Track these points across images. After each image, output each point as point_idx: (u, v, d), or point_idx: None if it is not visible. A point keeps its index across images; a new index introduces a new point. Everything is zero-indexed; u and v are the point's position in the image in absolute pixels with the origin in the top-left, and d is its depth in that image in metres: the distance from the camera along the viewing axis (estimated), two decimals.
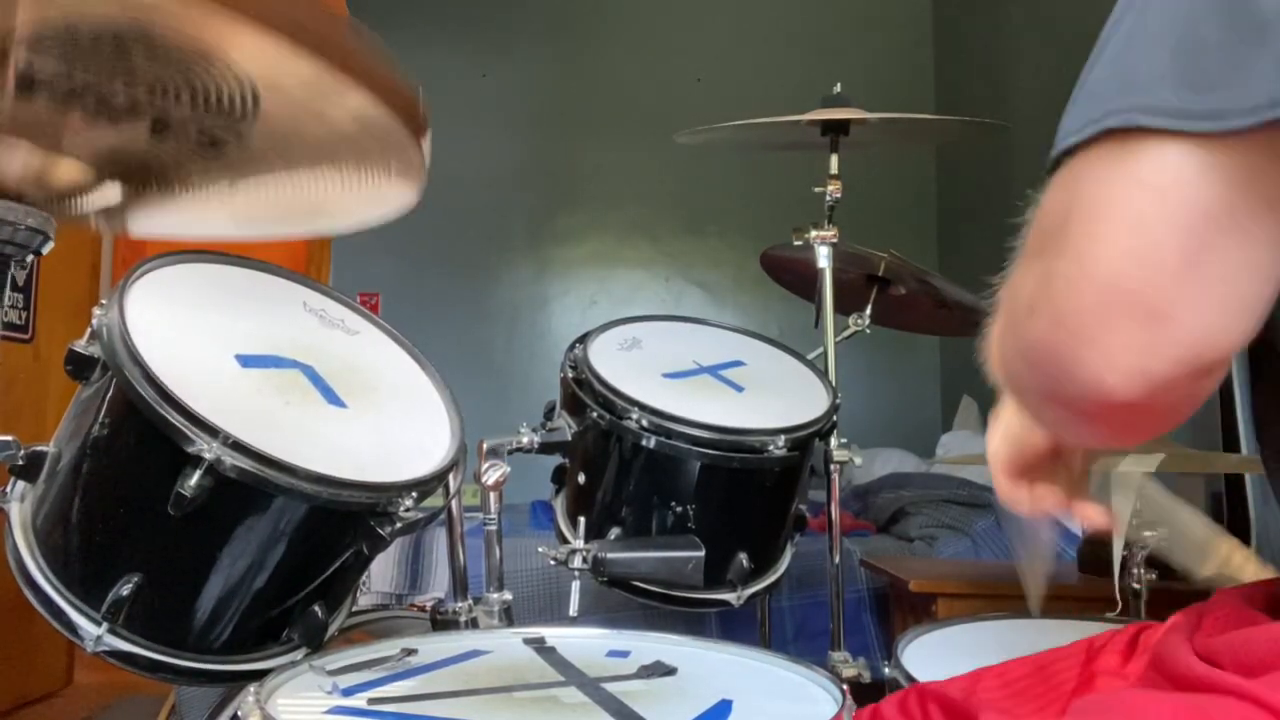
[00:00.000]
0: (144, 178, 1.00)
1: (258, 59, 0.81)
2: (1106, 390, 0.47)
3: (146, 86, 0.85)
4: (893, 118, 1.73)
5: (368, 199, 1.00)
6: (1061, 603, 1.41)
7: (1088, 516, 0.78)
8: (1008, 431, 0.76)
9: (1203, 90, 0.44)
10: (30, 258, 0.95)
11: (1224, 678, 0.51)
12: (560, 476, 1.44)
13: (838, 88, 1.73)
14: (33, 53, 0.80)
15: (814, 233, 1.70)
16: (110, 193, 0.99)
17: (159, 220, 1.07)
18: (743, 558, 1.33)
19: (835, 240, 1.71)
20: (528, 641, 0.96)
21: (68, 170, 0.94)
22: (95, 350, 0.96)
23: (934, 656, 1.16)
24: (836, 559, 1.60)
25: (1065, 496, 0.77)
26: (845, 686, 0.80)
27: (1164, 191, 0.45)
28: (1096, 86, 0.48)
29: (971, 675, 0.77)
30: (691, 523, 1.31)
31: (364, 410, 1.07)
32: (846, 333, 1.87)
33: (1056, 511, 0.78)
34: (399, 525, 0.98)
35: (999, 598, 1.70)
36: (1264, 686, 0.48)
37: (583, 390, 1.35)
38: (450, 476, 1.07)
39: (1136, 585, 1.40)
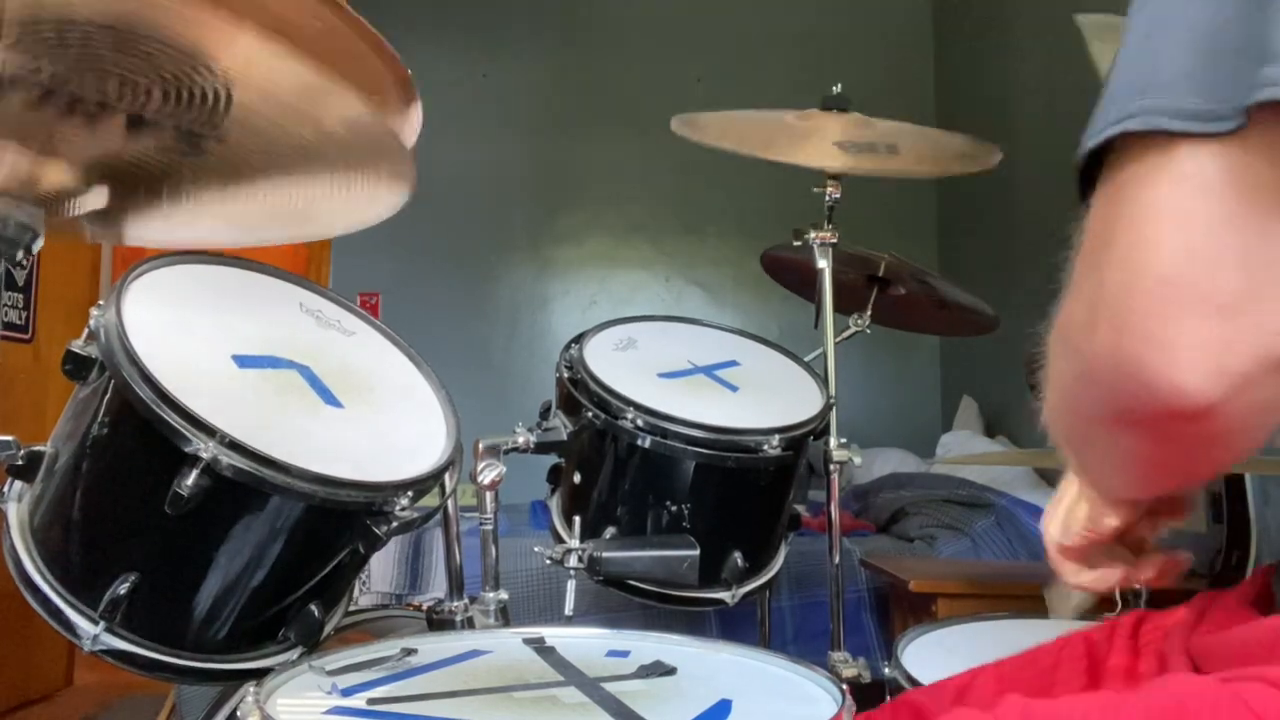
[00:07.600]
0: (132, 182, 1.00)
1: (239, 56, 0.81)
2: (1183, 392, 0.44)
3: (118, 82, 0.85)
4: (893, 126, 1.72)
5: (358, 202, 0.99)
6: None
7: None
8: (1070, 515, 0.72)
9: (1216, 92, 0.43)
10: (21, 254, 0.95)
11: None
12: (556, 476, 1.44)
13: (837, 88, 1.73)
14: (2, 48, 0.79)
15: (814, 233, 1.70)
16: (99, 197, 0.99)
17: (152, 228, 1.07)
18: (737, 557, 1.33)
19: (835, 240, 1.70)
20: (527, 641, 0.96)
21: (55, 173, 0.94)
22: (93, 350, 0.96)
23: (934, 656, 1.16)
24: (836, 559, 1.60)
25: (1128, 572, 0.73)
26: (845, 686, 0.79)
27: (1206, 187, 0.43)
28: (1116, 88, 0.47)
29: (967, 675, 0.76)
30: (686, 522, 1.31)
31: (360, 410, 1.07)
32: (846, 333, 1.87)
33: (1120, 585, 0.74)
34: (395, 524, 0.98)
35: (999, 598, 1.70)
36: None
37: (578, 390, 1.35)
38: (446, 476, 1.07)
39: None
